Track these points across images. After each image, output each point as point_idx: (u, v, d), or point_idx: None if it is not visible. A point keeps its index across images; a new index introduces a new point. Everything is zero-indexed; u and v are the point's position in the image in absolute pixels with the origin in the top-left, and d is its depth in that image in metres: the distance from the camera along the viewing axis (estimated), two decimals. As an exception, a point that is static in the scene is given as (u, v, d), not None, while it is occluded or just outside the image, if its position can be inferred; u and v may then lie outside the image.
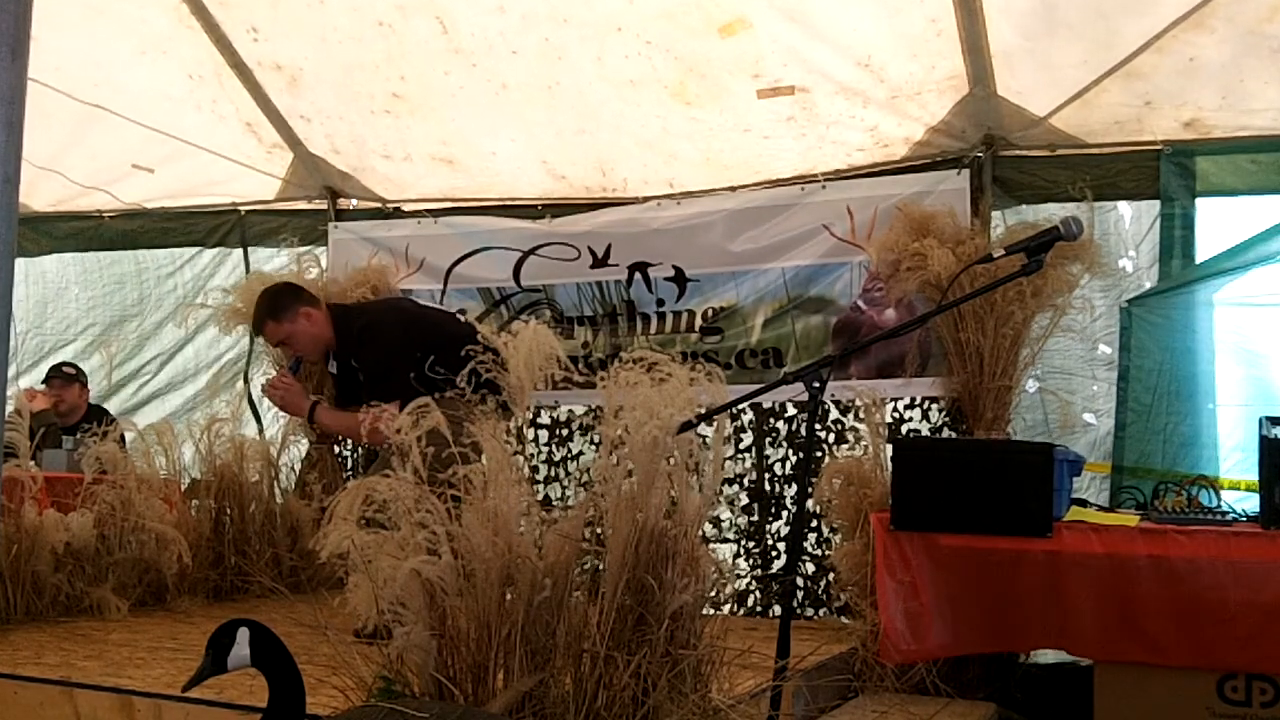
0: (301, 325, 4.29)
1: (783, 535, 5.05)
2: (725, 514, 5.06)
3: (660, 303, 5.40)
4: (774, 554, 5.07)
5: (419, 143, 5.60)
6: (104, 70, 5.58)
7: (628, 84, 5.02)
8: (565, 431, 5.51)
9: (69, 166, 6.18)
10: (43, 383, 6.17)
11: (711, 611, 2.73)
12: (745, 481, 5.13)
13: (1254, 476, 3.79)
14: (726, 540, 5.04)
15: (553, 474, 5.49)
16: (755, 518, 5.09)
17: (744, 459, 5.11)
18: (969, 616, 3.67)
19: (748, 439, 5.17)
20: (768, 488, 5.11)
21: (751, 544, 5.08)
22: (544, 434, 5.53)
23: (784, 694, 2.67)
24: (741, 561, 5.04)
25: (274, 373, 5.76)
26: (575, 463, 5.45)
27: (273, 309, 4.32)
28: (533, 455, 5.43)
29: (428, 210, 5.93)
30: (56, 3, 4.90)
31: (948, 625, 3.69)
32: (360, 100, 5.43)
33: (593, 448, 5.37)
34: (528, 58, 5.04)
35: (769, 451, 5.14)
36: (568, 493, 5.37)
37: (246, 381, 6.24)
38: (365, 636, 2.82)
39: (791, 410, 5.11)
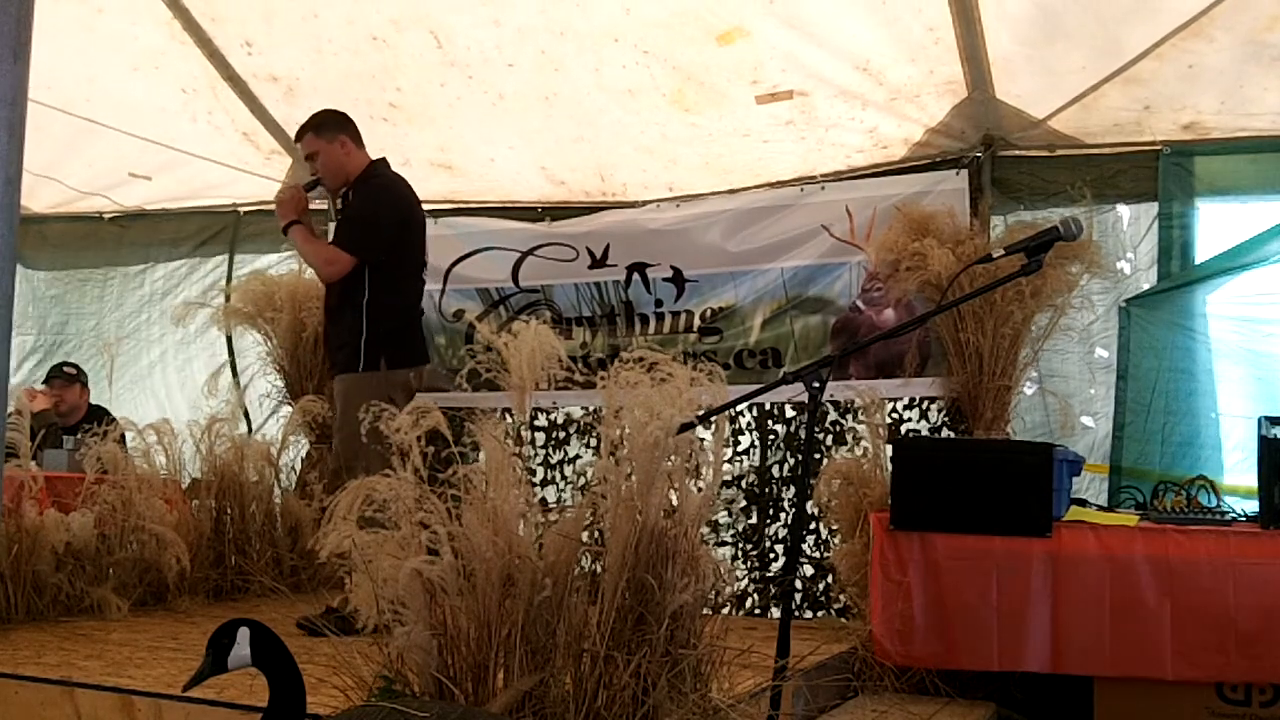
0: (334, 150, 4.30)
1: (781, 537, 5.05)
2: (723, 516, 5.05)
3: (659, 303, 5.40)
4: (771, 556, 5.06)
5: (417, 149, 5.61)
6: (97, 85, 5.59)
7: (626, 93, 5.02)
8: (562, 434, 5.51)
9: (66, 174, 6.20)
10: (43, 383, 6.17)
11: (710, 612, 2.74)
12: (744, 484, 5.13)
13: (1253, 479, 3.79)
14: (725, 544, 5.03)
15: (549, 477, 5.49)
16: (754, 520, 5.09)
17: (742, 461, 5.11)
18: (963, 626, 3.67)
19: (746, 441, 5.16)
20: (767, 490, 5.11)
21: (750, 546, 5.08)
22: (540, 436, 5.53)
23: (784, 694, 2.68)
24: (739, 564, 5.04)
25: (274, 371, 5.78)
26: (572, 465, 5.45)
27: (318, 124, 4.36)
28: (530, 458, 5.43)
29: (428, 211, 5.92)
30: (46, 21, 4.90)
31: (940, 634, 3.68)
32: (359, 107, 5.42)
33: (589, 450, 5.38)
34: (524, 69, 5.04)
35: (768, 454, 5.14)
36: (564, 495, 5.36)
37: (235, 379, 6.23)
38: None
39: (790, 412, 5.11)
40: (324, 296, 4.43)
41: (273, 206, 6.30)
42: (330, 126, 4.35)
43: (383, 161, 4.43)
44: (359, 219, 4.27)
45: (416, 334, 4.40)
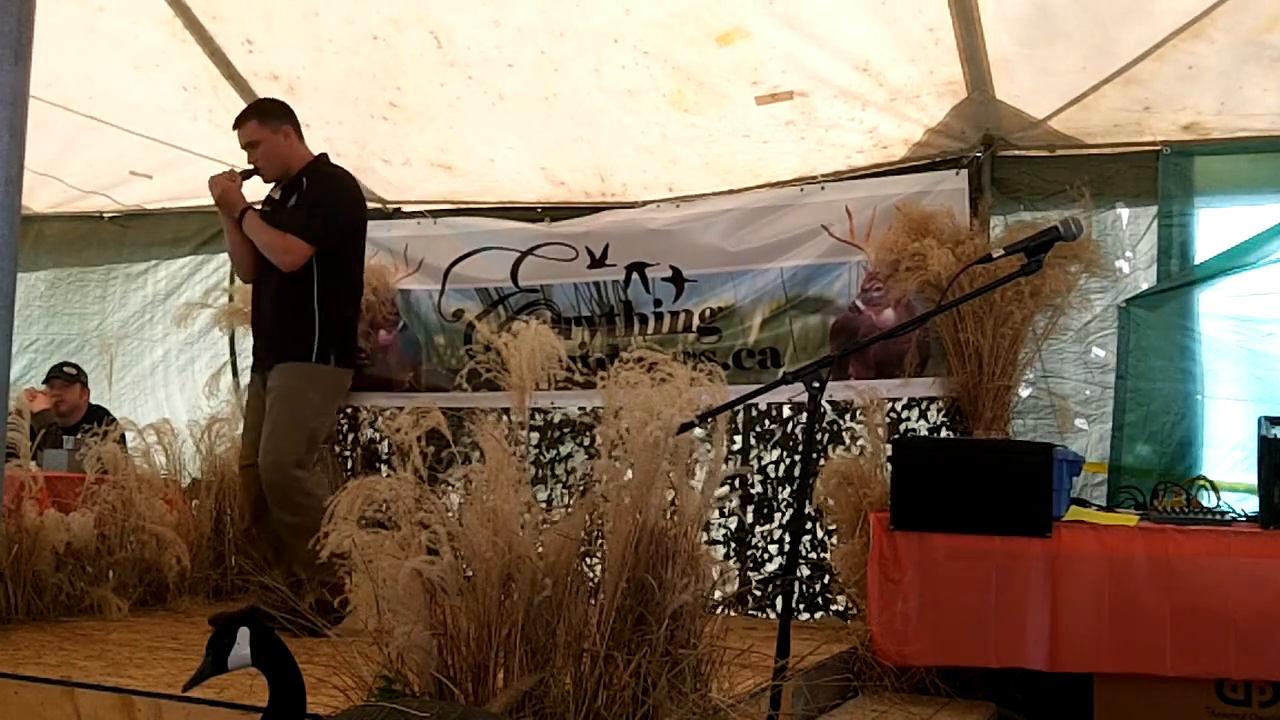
0: (277, 140, 4.19)
1: (776, 538, 5.05)
2: (716, 517, 5.04)
3: (658, 303, 5.40)
4: (765, 556, 5.06)
5: (417, 149, 5.61)
6: (98, 85, 5.57)
7: (625, 93, 5.02)
8: (555, 434, 5.51)
9: (66, 174, 6.20)
10: (43, 383, 6.17)
11: (710, 611, 2.74)
12: (737, 484, 5.12)
13: (1253, 478, 3.79)
14: (716, 543, 5.03)
15: (540, 475, 5.48)
16: (749, 520, 5.09)
17: (735, 461, 5.10)
18: (963, 626, 3.67)
19: (740, 441, 5.16)
20: (761, 490, 5.11)
21: (742, 545, 5.07)
22: (535, 436, 5.52)
23: (784, 694, 2.68)
24: (734, 563, 5.04)
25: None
26: (564, 465, 5.44)
27: (262, 111, 4.25)
28: (523, 456, 5.41)
29: (427, 211, 5.93)
30: (47, 20, 4.91)
31: (940, 634, 3.68)
32: (359, 105, 5.45)
33: (583, 450, 5.37)
34: (524, 70, 5.04)
35: (762, 454, 5.14)
36: (555, 495, 5.36)
37: (236, 379, 6.23)
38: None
39: (788, 412, 5.11)
40: (258, 285, 4.29)
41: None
42: (274, 115, 4.23)
43: (325, 156, 4.36)
44: (316, 207, 4.14)
45: (355, 333, 4.37)
